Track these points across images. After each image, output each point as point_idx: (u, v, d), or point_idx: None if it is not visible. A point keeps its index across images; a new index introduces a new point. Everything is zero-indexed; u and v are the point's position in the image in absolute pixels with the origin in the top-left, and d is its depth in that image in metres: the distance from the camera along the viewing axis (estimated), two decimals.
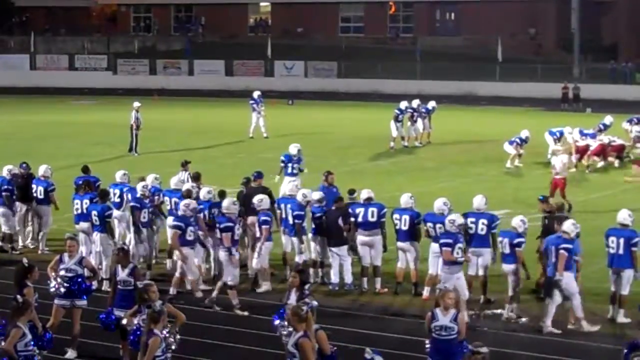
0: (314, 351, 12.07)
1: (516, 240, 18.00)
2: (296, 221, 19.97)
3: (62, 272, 15.83)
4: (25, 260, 14.74)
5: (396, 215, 19.60)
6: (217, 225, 19.02)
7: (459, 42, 78.43)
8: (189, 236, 18.94)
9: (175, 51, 79.55)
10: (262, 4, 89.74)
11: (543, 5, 78.43)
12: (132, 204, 20.73)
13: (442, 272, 17.72)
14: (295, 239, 20.12)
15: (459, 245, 17.46)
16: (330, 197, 20.73)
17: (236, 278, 18.62)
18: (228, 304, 18.49)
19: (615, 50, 74.81)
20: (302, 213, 20.05)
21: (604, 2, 78.46)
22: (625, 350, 12.74)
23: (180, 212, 19.31)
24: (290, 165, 26.89)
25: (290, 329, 12.84)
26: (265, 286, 19.87)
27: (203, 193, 20.73)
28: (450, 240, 17.50)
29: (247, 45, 77.24)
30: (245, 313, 18.31)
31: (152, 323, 12.41)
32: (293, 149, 27.27)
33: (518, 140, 33.96)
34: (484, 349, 11.62)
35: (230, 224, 18.73)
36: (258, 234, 19.87)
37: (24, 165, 23.82)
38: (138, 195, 20.81)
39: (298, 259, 20.00)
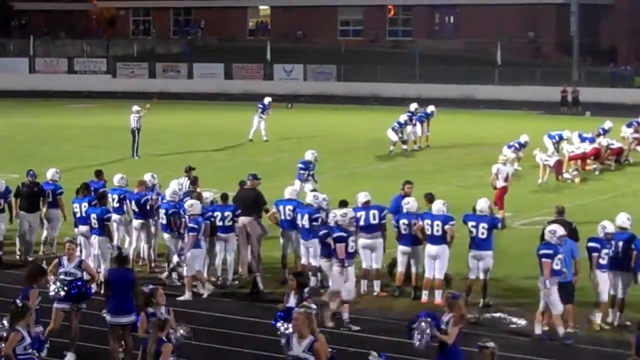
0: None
1: None
2: (314, 224, 19.88)
3: (61, 276, 15.84)
4: (44, 263, 14.86)
5: (427, 221, 19.31)
6: (329, 235, 18.33)
7: (458, 45, 78.48)
8: (351, 248, 18.09)
9: (175, 54, 79.62)
10: (261, 7, 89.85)
11: (542, 8, 78.51)
12: (172, 210, 20.44)
13: (539, 283, 17.32)
14: (311, 243, 19.99)
15: (559, 256, 17.09)
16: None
17: (351, 293, 17.95)
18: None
19: (615, 54, 74.86)
20: (319, 216, 20.01)
21: (603, 5, 78.55)
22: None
23: (339, 222, 18.33)
24: (307, 172, 26.97)
25: (289, 331, 12.86)
26: (187, 295, 19.54)
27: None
28: (550, 251, 17.11)
29: (246, 49, 77.30)
30: (357, 328, 17.61)
31: (159, 331, 12.38)
32: (309, 156, 27.32)
33: (517, 144, 33.96)
34: (491, 344, 11.72)
35: (344, 234, 18.02)
36: (186, 240, 19.62)
37: (31, 172, 23.16)
38: (167, 199, 20.71)
39: (314, 262, 19.99)
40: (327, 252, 18.27)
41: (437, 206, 19.36)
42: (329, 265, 18.20)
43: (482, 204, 19.33)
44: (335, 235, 17.93)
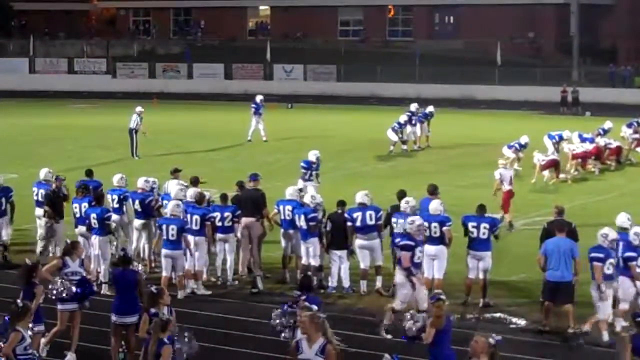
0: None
1: None
2: (311, 223, 19.91)
3: (68, 276, 15.88)
4: (27, 260, 14.82)
5: (424, 223, 19.35)
6: (395, 243, 18.07)
7: (458, 45, 78.46)
8: (418, 259, 17.56)
9: (175, 54, 79.64)
10: (261, 7, 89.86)
11: (542, 8, 78.52)
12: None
13: (592, 290, 17.06)
14: (310, 243, 20.07)
15: (611, 260, 16.86)
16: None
17: (404, 304, 17.27)
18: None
19: (614, 54, 74.87)
20: (316, 215, 20.03)
21: (603, 5, 78.55)
22: None
23: (407, 230, 17.72)
24: (309, 172, 26.99)
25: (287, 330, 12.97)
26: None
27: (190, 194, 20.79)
28: (601, 255, 16.87)
29: (246, 49, 77.33)
30: (389, 336, 16.98)
31: (161, 332, 12.37)
32: (312, 156, 27.36)
33: (517, 145, 33.96)
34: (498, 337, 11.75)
35: (411, 243, 17.43)
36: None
37: (59, 177, 22.46)
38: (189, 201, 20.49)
39: (314, 262, 20.02)
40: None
41: (434, 206, 19.35)
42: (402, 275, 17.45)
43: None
44: (401, 243, 17.45)
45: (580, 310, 17.76)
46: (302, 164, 27.27)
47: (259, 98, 43.12)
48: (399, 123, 39.22)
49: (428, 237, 19.07)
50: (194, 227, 19.92)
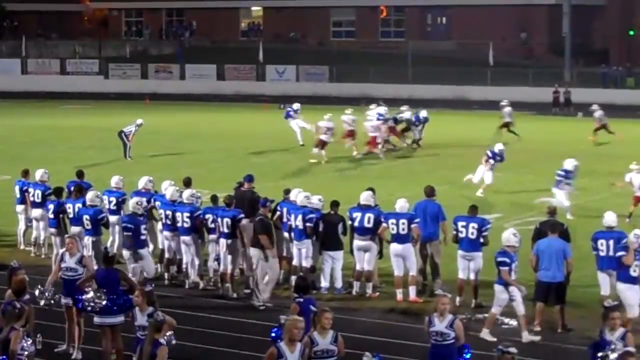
0: None
1: None
2: (308, 224, 19.87)
3: (63, 271, 15.95)
4: (14, 262, 14.84)
5: (392, 220, 19.48)
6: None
7: (450, 46, 78.58)
8: None
9: (167, 55, 79.64)
10: (253, 8, 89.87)
11: (534, 9, 78.66)
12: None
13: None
14: (303, 244, 20.09)
15: (637, 263, 16.83)
16: (427, 210, 20.18)
17: None
18: None
19: (606, 55, 75.04)
20: (313, 216, 20.00)
21: (595, 6, 78.73)
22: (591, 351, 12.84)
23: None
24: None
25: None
26: None
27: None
28: (507, 260, 17.02)
29: (239, 50, 77.35)
30: None
31: (156, 333, 12.39)
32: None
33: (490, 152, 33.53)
34: (513, 349, 11.51)
35: (507, 259, 17.13)
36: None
37: (266, 200, 20.11)
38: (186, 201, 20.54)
39: (305, 263, 20.05)
40: None
41: (401, 204, 19.48)
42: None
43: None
44: (499, 259, 17.24)
45: (572, 311, 17.84)
46: None
47: (295, 105, 41.93)
48: (394, 119, 39.59)
49: (395, 234, 19.16)
50: (225, 230, 19.74)
